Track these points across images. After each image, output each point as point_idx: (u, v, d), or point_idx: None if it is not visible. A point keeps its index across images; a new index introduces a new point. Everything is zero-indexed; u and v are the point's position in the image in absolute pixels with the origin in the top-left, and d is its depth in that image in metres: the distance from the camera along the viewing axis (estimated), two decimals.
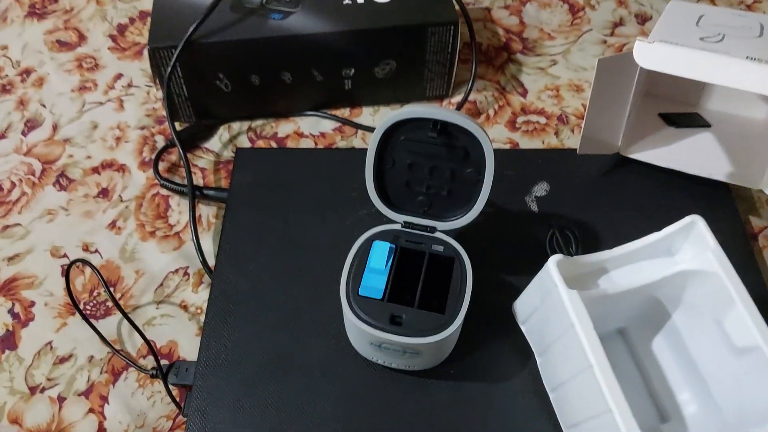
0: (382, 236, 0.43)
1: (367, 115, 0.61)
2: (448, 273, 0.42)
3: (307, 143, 0.59)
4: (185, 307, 0.50)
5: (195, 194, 0.54)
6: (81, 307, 0.50)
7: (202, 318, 0.48)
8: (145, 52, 0.66)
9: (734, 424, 0.38)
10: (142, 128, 0.60)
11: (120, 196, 0.56)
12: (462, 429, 0.42)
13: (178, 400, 0.45)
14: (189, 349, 0.48)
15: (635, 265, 0.43)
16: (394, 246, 0.42)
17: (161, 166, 0.57)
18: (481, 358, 0.45)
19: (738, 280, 0.39)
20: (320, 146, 0.59)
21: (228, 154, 0.59)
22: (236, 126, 0.60)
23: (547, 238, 0.49)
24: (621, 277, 0.43)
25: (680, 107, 0.58)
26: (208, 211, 0.55)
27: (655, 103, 0.58)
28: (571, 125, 0.60)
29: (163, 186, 0.56)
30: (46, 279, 0.52)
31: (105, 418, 0.45)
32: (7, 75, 0.65)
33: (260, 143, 0.59)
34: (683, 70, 0.44)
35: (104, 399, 0.46)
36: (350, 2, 0.56)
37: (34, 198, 0.56)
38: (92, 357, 0.48)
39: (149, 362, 0.48)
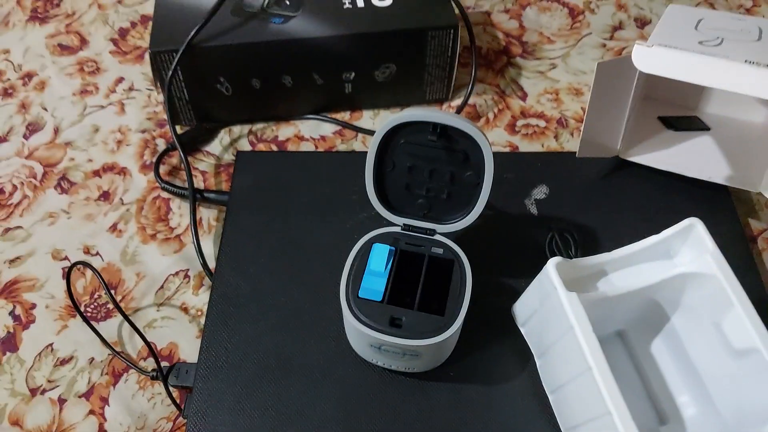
0: (381, 239, 0.43)
1: (367, 119, 0.61)
2: (447, 275, 0.42)
3: (307, 146, 0.59)
4: (186, 310, 0.50)
5: (196, 197, 0.54)
6: (82, 309, 0.50)
7: (203, 320, 0.48)
8: (147, 56, 0.66)
9: (733, 426, 0.39)
10: (143, 131, 0.61)
11: (121, 199, 0.56)
12: (461, 431, 0.42)
13: (178, 401, 0.45)
14: (189, 351, 0.48)
15: (634, 267, 0.43)
16: (393, 248, 0.43)
17: (162, 169, 0.58)
18: (480, 361, 0.45)
19: (736, 282, 0.39)
20: (321, 149, 0.59)
21: (229, 157, 0.59)
22: (237, 129, 0.61)
23: (546, 240, 0.49)
24: (620, 279, 0.43)
25: (679, 110, 0.58)
26: (208, 214, 0.55)
27: (655, 106, 0.59)
28: (571, 128, 0.60)
29: (164, 189, 0.56)
30: (47, 281, 0.52)
31: (105, 420, 0.45)
32: (8, 79, 0.65)
33: (261, 146, 0.59)
34: (682, 74, 0.44)
35: (105, 401, 0.46)
36: (350, 6, 0.57)
37: (36, 201, 0.56)
38: (93, 359, 0.48)
39: (150, 364, 0.48)
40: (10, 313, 0.50)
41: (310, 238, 0.51)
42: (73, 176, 0.58)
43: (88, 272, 0.52)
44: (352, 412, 0.43)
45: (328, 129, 0.60)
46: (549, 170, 0.54)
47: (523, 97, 0.63)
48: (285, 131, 0.60)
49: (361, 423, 0.43)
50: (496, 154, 0.41)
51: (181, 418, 0.45)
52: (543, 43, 0.67)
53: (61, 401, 0.46)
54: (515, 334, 0.46)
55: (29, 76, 0.65)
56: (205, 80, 0.56)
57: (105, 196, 0.57)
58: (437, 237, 0.44)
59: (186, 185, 0.55)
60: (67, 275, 0.49)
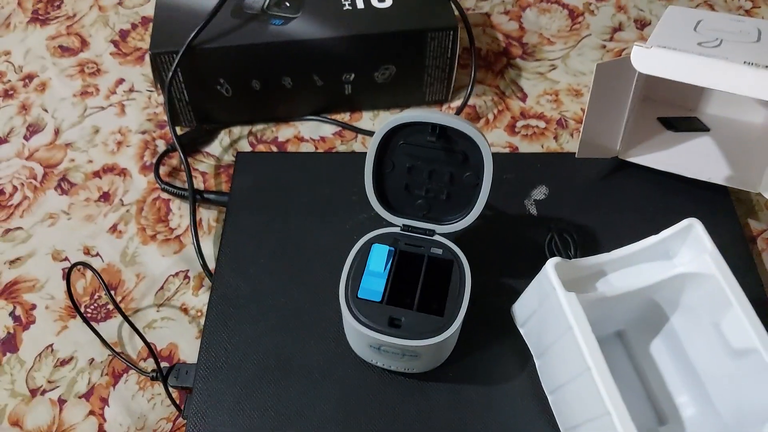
0: (381, 239, 0.43)
1: (367, 120, 0.61)
2: (447, 276, 0.42)
3: (307, 147, 0.59)
4: (185, 310, 0.50)
5: (196, 198, 0.54)
6: (82, 310, 0.50)
7: (203, 321, 0.48)
8: (147, 58, 0.66)
9: (732, 427, 0.39)
10: (144, 133, 0.61)
11: (121, 200, 0.56)
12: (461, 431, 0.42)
13: (178, 402, 0.45)
14: (189, 351, 0.48)
15: (633, 268, 0.43)
16: (393, 249, 0.43)
17: (162, 170, 0.58)
18: (479, 361, 0.45)
19: (735, 282, 0.39)
20: (320, 150, 0.59)
21: (228, 158, 0.59)
22: (237, 130, 0.61)
23: (545, 241, 0.49)
24: (619, 280, 0.43)
25: (679, 111, 0.58)
26: (208, 215, 0.55)
27: (654, 107, 0.59)
28: (570, 129, 0.60)
29: (164, 190, 0.56)
30: (48, 282, 0.52)
31: (105, 420, 0.46)
32: (9, 80, 0.65)
33: (261, 147, 0.59)
34: (681, 75, 0.44)
35: (104, 401, 0.46)
36: (350, 8, 0.57)
37: (36, 202, 0.57)
38: (93, 359, 0.48)
39: (149, 365, 0.48)
40: (10, 314, 0.50)
41: (310, 239, 0.51)
42: (73, 177, 0.58)
43: (88, 273, 0.52)
44: (352, 412, 0.43)
45: (327, 130, 0.61)
46: (548, 171, 0.54)
47: (523, 98, 0.63)
48: (285, 132, 0.60)
49: (360, 423, 0.43)
50: (495, 155, 0.41)
51: (180, 419, 0.45)
52: (543, 45, 0.67)
53: (61, 402, 0.46)
54: (514, 334, 0.46)
55: (30, 77, 0.65)
56: (205, 81, 0.56)
57: (105, 197, 0.57)
58: (436, 237, 0.44)
59: (186, 186, 0.55)
60: (67, 276, 0.49)
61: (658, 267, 0.42)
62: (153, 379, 0.46)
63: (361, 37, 0.55)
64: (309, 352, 0.45)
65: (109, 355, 0.48)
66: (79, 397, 0.47)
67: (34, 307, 0.51)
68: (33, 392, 0.47)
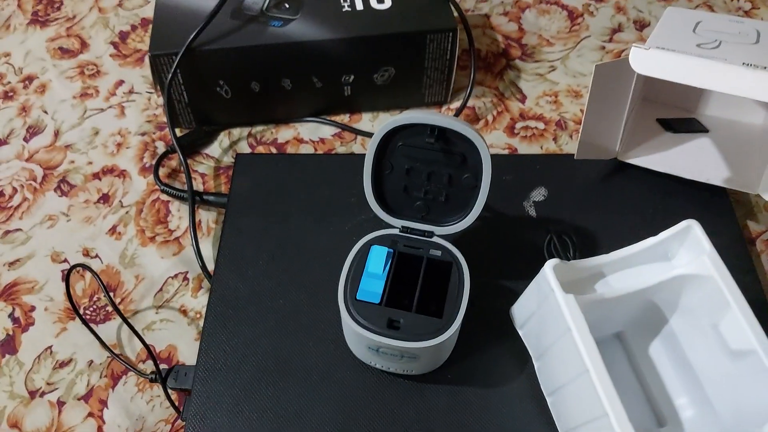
0: (380, 241, 0.43)
1: (366, 121, 0.61)
2: (445, 277, 0.42)
3: (306, 149, 0.60)
4: (185, 312, 0.50)
5: (195, 200, 0.54)
6: (81, 311, 0.50)
7: (202, 323, 0.48)
8: (147, 59, 0.66)
9: (731, 428, 0.39)
10: (143, 134, 0.61)
11: (120, 201, 0.57)
12: None
13: (177, 404, 0.45)
14: (188, 353, 0.48)
15: (632, 269, 0.43)
16: (392, 251, 0.43)
17: (161, 171, 0.58)
18: (478, 363, 0.45)
19: (734, 284, 0.39)
20: (320, 152, 0.59)
21: (228, 159, 0.59)
22: (236, 132, 0.61)
23: (544, 243, 0.49)
24: (618, 281, 0.43)
25: (678, 113, 0.58)
26: (208, 217, 0.55)
27: (653, 108, 0.59)
28: (570, 131, 0.60)
29: (163, 191, 0.56)
30: (47, 284, 0.52)
31: (104, 422, 0.46)
32: (9, 82, 0.65)
33: (260, 149, 0.60)
34: (679, 77, 0.44)
35: (103, 403, 0.46)
36: (349, 9, 0.57)
37: (35, 203, 0.57)
38: (92, 361, 0.48)
39: (148, 367, 0.48)
40: (9, 316, 0.50)
41: (309, 241, 0.51)
42: (72, 179, 0.58)
43: (88, 275, 0.52)
44: (350, 414, 0.43)
45: (327, 131, 0.61)
46: (547, 172, 0.54)
47: (522, 99, 0.63)
48: (284, 134, 0.61)
49: (359, 425, 0.43)
50: (494, 156, 0.41)
51: (179, 421, 0.45)
52: (542, 46, 0.67)
53: (60, 404, 0.46)
54: (513, 336, 0.46)
55: (30, 79, 0.65)
56: (205, 83, 0.56)
57: (104, 198, 0.57)
58: (435, 239, 0.44)
59: (185, 188, 0.55)
60: (67, 278, 0.49)
61: (657, 268, 0.42)
62: (152, 380, 0.46)
63: (360, 39, 0.55)
64: (308, 354, 0.45)
65: (108, 356, 0.48)
66: (78, 399, 0.47)
67: (33, 308, 0.51)
68: (32, 394, 0.47)
